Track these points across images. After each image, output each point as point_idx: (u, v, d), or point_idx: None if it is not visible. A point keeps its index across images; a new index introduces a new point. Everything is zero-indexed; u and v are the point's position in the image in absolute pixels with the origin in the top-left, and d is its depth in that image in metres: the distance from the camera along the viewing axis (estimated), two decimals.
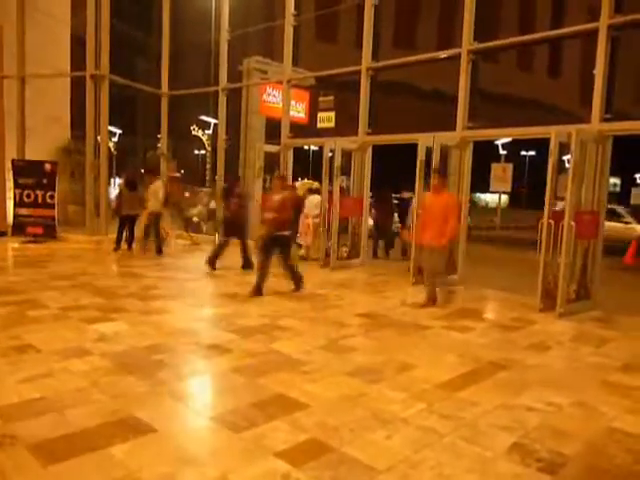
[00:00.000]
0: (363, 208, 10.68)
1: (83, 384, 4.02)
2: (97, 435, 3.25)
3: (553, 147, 7.05)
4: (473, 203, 14.72)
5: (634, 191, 33.91)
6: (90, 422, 3.40)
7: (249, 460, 3.07)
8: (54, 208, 12.44)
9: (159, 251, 10.96)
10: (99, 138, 13.47)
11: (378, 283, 9.08)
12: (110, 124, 14.17)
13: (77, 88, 13.89)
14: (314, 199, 11.19)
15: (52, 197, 12.41)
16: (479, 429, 3.57)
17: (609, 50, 7.65)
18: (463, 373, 4.68)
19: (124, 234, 11.28)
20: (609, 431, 3.66)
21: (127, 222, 11.26)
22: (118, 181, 25.33)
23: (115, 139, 30.75)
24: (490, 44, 9.17)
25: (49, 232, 12.32)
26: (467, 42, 9.12)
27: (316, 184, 12.52)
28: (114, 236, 11.41)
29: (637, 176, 48.97)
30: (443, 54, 9.76)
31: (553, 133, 7.08)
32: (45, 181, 12.37)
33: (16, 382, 4.00)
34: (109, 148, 16.75)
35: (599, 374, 4.83)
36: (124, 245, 11.26)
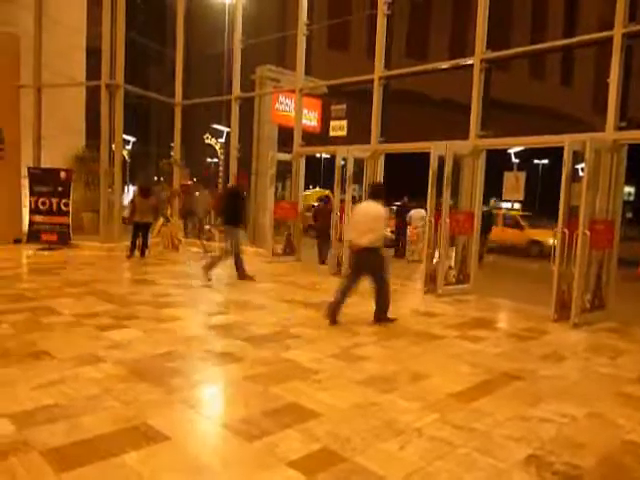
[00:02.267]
0: None
1: (96, 391, 4.04)
2: (110, 442, 3.26)
3: (567, 156, 7.01)
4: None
5: None
6: (103, 429, 3.41)
7: (262, 469, 3.07)
8: (68, 215, 12.58)
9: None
10: (113, 146, 13.60)
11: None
12: (124, 132, 14.31)
13: (92, 97, 14.06)
14: (419, 212, 13.10)
15: (67, 205, 12.55)
16: (493, 440, 3.53)
17: (623, 58, 7.61)
18: (477, 383, 4.64)
19: (137, 241, 11.37)
20: (625, 443, 3.61)
21: (140, 229, 11.35)
22: (132, 188, 25.57)
23: (129, 147, 31.02)
24: (503, 53, 9.16)
25: (63, 239, 12.45)
26: (480, 51, 9.12)
27: (327, 192, 12.54)
28: (128, 243, 11.49)
29: None
30: (456, 63, 9.76)
31: (567, 142, 7.05)
32: (60, 189, 12.51)
33: (30, 388, 4.03)
34: (123, 156, 16.91)
35: (614, 385, 4.77)
36: (137, 252, 11.34)
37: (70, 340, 5.36)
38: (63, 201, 12.52)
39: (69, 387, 4.10)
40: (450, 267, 9.05)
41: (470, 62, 9.24)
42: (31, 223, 12.61)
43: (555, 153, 7.72)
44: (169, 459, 3.12)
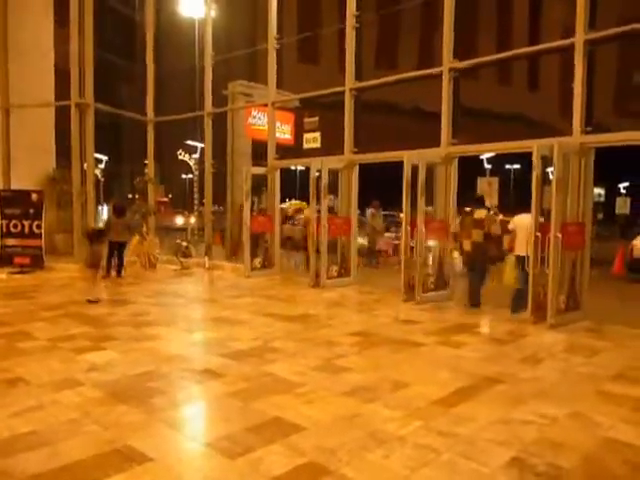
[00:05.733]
0: (351, 227, 10.72)
1: (75, 415, 3.96)
2: (91, 467, 3.20)
3: (536, 161, 7.16)
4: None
5: (618, 201, 34.46)
6: (84, 454, 3.35)
7: None
8: (41, 238, 12.35)
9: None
10: (85, 166, 13.44)
11: (369, 301, 9.08)
12: (96, 151, 14.18)
13: (62, 116, 13.89)
14: None
15: (39, 227, 12.32)
16: (476, 445, 3.56)
17: (586, 64, 7.82)
18: (458, 388, 4.68)
19: (113, 261, 11.20)
20: (605, 441, 3.67)
21: (116, 248, 11.20)
22: (106, 208, 25.23)
23: (102, 166, 30.68)
24: (470, 61, 9.33)
25: (36, 262, 12.21)
26: (447, 60, 9.28)
27: (304, 204, 12.52)
28: (103, 263, 11.32)
29: (621, 186, 49.70)
30: (424, 73, 9.91)
31: (535, 147, 7.20)
32: (32, 211, 12.29)
33: (6, 416, 3.93)
34: (96, 175, 16.72)
35: (592, 384, 4.85)
36: (113, 272, 11.18)
37: (47, 365, 5.25)
38: (35, 223, 12.29)
39: (47, 413, 4.01)
40: (428, 274, 9.12)
41: (438, 71, 9.40)
42: (3, 246, 12.36)
43: (526, 158, 7.87)
44: None
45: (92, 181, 13.63)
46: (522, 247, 7.62)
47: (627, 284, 12.11)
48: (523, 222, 7.69)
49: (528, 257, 7.34)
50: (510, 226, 8.08)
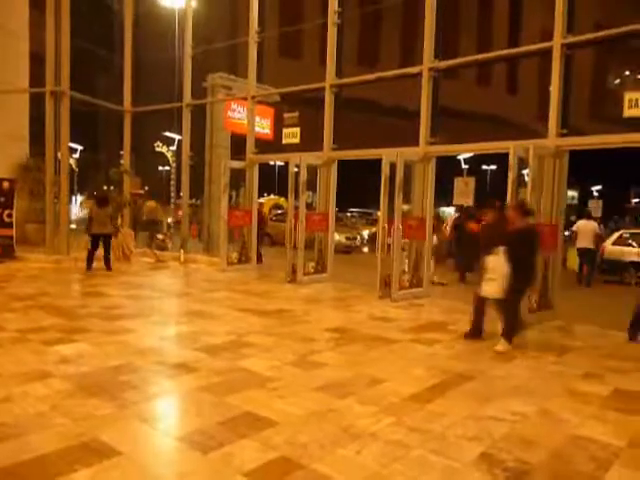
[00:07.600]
0: (329, 223, 10.74)
1: (44, 408, 3.89)
2: (59, 460, 3.14)
3: (512, 162, 7.26)
4: (438, 217, 14.88)
5: (591, 203, 35.14)
6: (52, 447, 3.29)
7: None
8: (12, 227, 12.09)
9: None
10: (59, 155, 13.18)
11: (346, 297, 9.11)
12: (71, 140, 13.90)
13: (37, 104, 13.59)
14: None
15: (10, 215, 12.06)
16: (447, 440, 3.60)
17: (563, 68, 7.95)
18: (431, 385, 4.72)
19: (96, 253, 10.85)
20: (573, 438, 3.74)
21: (99, 240, 10.86)
22: (80, 199, 24.80)
23: (76, 155, 30.11)
24: (450, 62, 9.40)
25: (7, 252, 11.95)
26: (427, 60, 9.34)
27: (282, 199, 12.44)
28: (76, 254, 11.11)
29: (594, 189, 50.73)
30: (405, 72, 9.95)
31: (512, 148, 7.30)
32: (2, 199, 12.03)
33: None
34: (70, 165, 16.40)
35: (562, 382, 4.94)
36: (100, 264, 10.84)
37: (16, 356, 5.15)
38: (6, 212, 12.02)
39: (15, 405, 3.94)
40: (404, 272, 9.19)
41: (418, 71, 9.45)
42: None
43: (502, 159, 7.98)
44: (121, 475, 3.03)
45: (66, 171, 13.36)
46: (581, 242, 11.97)
47: (597, 285, 12.36)
48: (579, 226, 12.33)
49: (587, 249, 11.78)
50: (574, 228, 12.62)
